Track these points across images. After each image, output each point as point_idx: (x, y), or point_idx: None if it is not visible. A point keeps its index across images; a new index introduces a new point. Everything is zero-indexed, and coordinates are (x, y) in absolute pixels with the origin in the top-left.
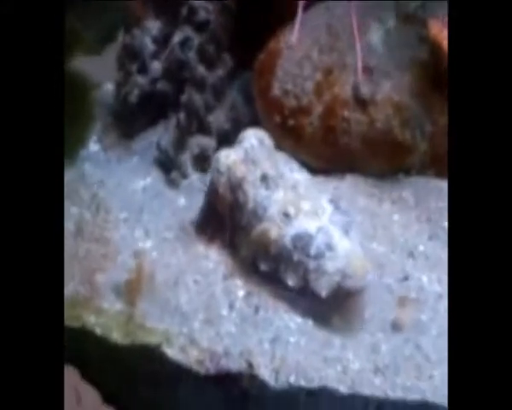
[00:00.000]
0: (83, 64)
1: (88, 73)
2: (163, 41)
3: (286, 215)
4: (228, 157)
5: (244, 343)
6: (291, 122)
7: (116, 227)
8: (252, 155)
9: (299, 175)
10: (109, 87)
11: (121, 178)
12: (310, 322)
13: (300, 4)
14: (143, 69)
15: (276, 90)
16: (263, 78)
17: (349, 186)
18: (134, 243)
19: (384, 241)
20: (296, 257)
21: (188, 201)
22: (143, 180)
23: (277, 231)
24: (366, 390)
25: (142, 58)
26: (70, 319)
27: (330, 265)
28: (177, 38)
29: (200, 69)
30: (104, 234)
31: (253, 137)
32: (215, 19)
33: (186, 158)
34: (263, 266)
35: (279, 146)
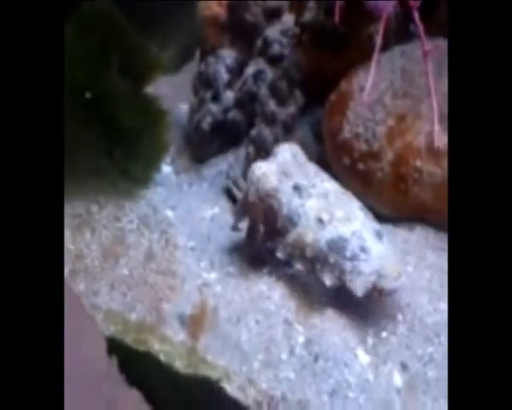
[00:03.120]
0: (159, 84)
1: (164, 93)
2: (237, 70)
3: (320, 221)
4: (260, 168)
5: (302, 391)
6: (360, 166)
7: (183, 255)
8: (284, 167)
9: (329, 185)
10: (184, 107)
11: (191, 204)
12: (370, 378)
13: (375, 59)
14: (217, 97)
15: (346, 133)
16: (333, 119)
17: (418, 239)
18: (199, 273)
19: None
20: (332, 259)
21: None
22: (212, 209)
23: (312, 235)
24: None
25: (216, 87)
26: (136, 342)
27: (365, 266)
28: (250, 69)
29: (272, 105)
30: (171, 267)
31: (287, 151)
32: (289, 54)
33: None
34: (299, 266)
35: (347, 188)
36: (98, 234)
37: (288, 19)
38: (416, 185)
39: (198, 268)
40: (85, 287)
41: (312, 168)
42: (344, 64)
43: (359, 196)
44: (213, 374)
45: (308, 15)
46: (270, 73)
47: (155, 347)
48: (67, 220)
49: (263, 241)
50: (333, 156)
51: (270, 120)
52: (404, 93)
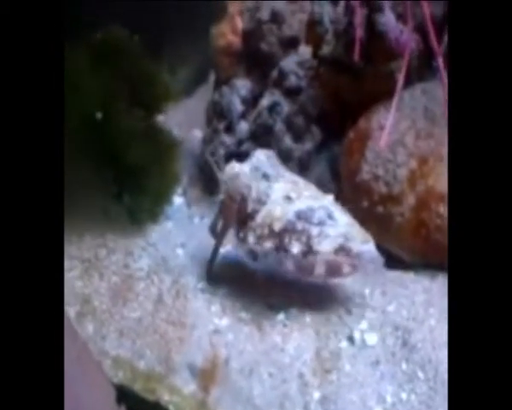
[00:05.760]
0: (172, 109)
1: (176, 118)
2: (251, 101)
3: (288, 198)
4: (232, 168)
5: None
6: (379, 209)
7: (193, 298)
8: (256, 165)
9: (299, 179)
10: (197, 134)
11: (202, 240)
12: None
13: (396, 98)
14: (230, 129)
15: (365, 174)
16: (351, 159)
17: (440, 288)
18: (210, 318)
19: None
20: (300, 226)
21: (267, 277)
22: (223, 247)
23: (281, 210)
24: None
25: (230, 118)
26: (145, 391)
27: (332, 230)
28: (265, 101)
29: (287, 141)
30: (181, 319)
31: (261, 154)
32: (306, 88)
33: None
34: (268, 245)
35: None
36: (107, 279)
37: (305, 50)
38: (438, 231)
39: (208, 313)
40: (93, 331)
41: (285, 169)
42: (363, 99)
43: (377, 239)
44: None
45: (326, 49)
46: (285, 106)
47: (165, 397)
48: (76, 263)
49: (235, 233)
50: (350, 197)
51: (286, 156)
52: (426, 134)
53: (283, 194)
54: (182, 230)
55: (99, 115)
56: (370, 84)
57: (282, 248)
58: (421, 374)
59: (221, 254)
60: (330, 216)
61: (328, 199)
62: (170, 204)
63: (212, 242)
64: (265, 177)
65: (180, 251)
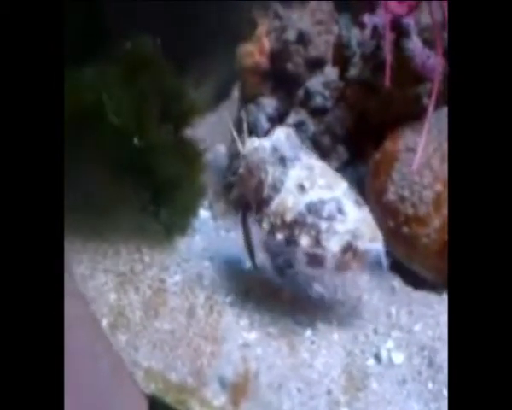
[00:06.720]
0: (195, 124)
1: (200, 134)
2: (277, 119)
3: (301, 187)
4: (252, 143)
5: None
6: (405, 230)
7: (222, 311)
8: (276, 144)
9: (316, 162)
10: (221, 148)
11: (229, 253)
12: None
13: (427, 124)
14: None
15: (391, 195)
16: (378, 179)
17: None
18: (239, 332)
19: None
20: (310, 220)
21: (294, 293)
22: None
23: (293, 200)
24: None
25: (256, 135)
26: (177, 403)
27: (341, 226)
28: (291, 120)
29: None
30: (214, 333)
31: (281, 132)
32: (332, 108)
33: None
34: (279, 235)
35: (391, 252)
36: (142, 293)
37: (331, 71)
38: None
39: (238, 326)
40: (126, 343)
41: (304, 149)
42: (388, 121)
43: (404, 260)
44: None
45: (353, 71)
46: (311, 125)
47: (196, 409)
48: (111, 277)
49: (253, 212)
50: (376, 217)
51: None
52: None
53: (297, 182)
54: (209, 243)
55: (136, 141)
56: (397, 106)
57: (292, 241)
58: (446, 393)
59: (248, 269)
60: (340, 210)
61: (342, 187)
62: (197, 217)
63: (239, 256)
64: (282, 160)
65: (209, 265)
